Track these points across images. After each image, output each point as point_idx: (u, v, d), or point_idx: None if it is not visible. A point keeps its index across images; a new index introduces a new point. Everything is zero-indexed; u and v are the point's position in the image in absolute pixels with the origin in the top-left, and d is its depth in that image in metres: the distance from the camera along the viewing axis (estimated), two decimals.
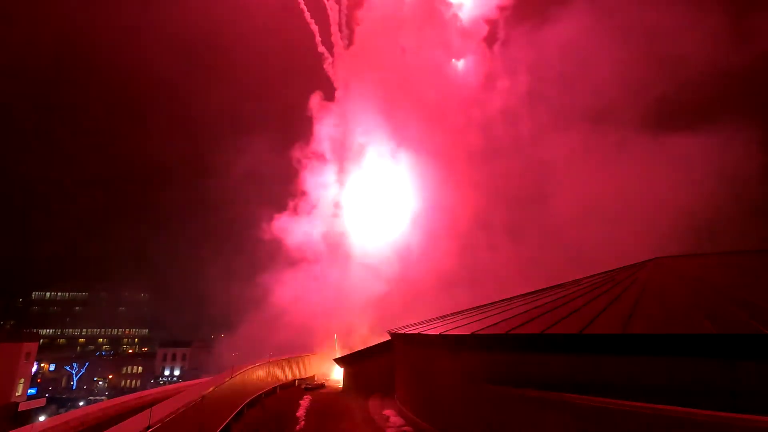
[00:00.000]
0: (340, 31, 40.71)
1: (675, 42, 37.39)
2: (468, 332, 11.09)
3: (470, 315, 14.43)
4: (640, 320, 8.82)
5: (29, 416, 36.80)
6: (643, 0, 40.54)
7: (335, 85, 40.82)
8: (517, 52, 38.97)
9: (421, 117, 37.41)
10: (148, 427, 6.96)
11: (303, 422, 14.61)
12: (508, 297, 16.76)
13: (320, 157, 40.18)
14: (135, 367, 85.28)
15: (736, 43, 35.66)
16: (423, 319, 18.72)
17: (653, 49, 38.65)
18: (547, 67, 39.63)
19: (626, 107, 37.72)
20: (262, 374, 19.38)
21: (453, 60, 39.03)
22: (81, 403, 57.99)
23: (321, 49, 41.37)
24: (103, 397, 63.34)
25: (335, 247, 37.60)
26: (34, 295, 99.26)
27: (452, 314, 16.80)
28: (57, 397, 67.83)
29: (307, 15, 41.32)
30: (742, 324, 7.62)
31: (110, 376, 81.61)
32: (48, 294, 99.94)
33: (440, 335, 12.29)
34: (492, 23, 38.61)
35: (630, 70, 37.89)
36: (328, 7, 40.94)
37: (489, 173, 37.09)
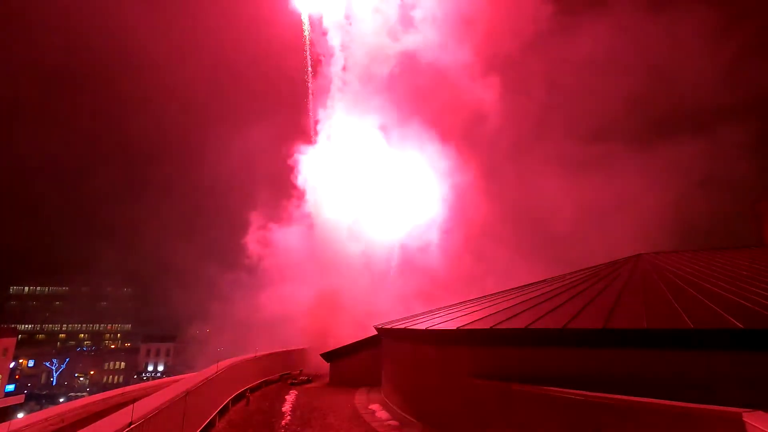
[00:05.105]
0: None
1: (672, 65, 39.22)
2: (453, 327, 11.20)
3: (456, 310, 14.56)
4: (621, 315, 9.02)
5: (7, 413, 35.96)
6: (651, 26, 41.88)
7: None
8: (526, 67, 39.58)
9: (422, 120, 37.62)
10: (131, 424, 6.84)
11: (289, 417, 14.58)
12: (494, 292, 16.97)
13: (316, 155, 39.69)
14: (117, 363, 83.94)
15: (731, 79, 38.02)
16: (410, 314, 18.83)
17: (651, 68, 40.33)
18: (553, 82, 40.52)
19: (623, 120, 39.38)
20: (248, 369, 19.25)
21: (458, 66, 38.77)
22: (61, 400, 56.88)
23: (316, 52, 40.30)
24: (84, 394, 62.25)
25: (325, 244, 37.42)
26: (12, 289, 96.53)
27: (438, 309, 16.93)
28: (36, 394, 66.52)
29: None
30: (718, 319, 7.85)
31: (92, 372, 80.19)
32: (26, 288, 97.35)
33: (426, 330, 12.38)
34: (498, 35, 38.47)
35: (628, 87, 39.35)
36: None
37: (487, 176, 37.77)
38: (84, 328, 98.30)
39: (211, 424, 12.65)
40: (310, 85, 39.98)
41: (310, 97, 39.91)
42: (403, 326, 14.66)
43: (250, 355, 20.91)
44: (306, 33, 39.68)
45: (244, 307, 40.82)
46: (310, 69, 40.04)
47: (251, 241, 41.70)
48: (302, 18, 39.75)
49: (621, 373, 7.72)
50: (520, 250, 34.70)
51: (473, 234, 35.64)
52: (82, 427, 6.99)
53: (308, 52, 40.11)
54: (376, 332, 19.96)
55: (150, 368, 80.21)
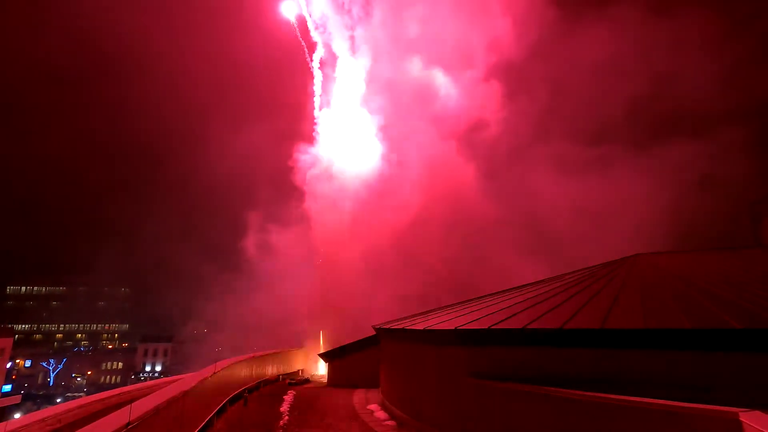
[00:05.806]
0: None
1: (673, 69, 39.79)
2: (451, 327, 11.19)
3: (454, 310, 14.55)
4: (619, 315, 9.04)
5: (4, 414, 35.81)
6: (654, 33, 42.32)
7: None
8: (527, 70, 39.85)
9: (423, 122, 37.83)
10: (128, 424, 6.83)
11: (287, 417, 14.56)
12: (492, 292, 16.97)
13: (314, 156, 39.60)
14: (115, 363, 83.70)
15: (732, 83, 38.64)
16: (408, 314, 18.82)
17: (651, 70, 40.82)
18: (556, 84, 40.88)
19: (624, 123, 39.96)
20: (246, 369, 19.23)
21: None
22: (58, 400, 56.66)
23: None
24: (81, 394, 62.07)
25: (323, 244, 37.38)
26: (9, 289, 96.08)
27: (436, 309, 16.93)
28: (33, 394, 66.32)
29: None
30: (715, 319, 7.86)
31: (89, 373, 79.95)
32: (23, 288, 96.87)
33: (424, 330, 12.37)
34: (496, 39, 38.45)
35: (630, 90, 39.79)
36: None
37: (486, 176, 37.95)
38: (81, 328, 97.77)
39: (209, 424, 12.63)
40: (315, 72, 39.98)
41: (316, 92, 39.92)
42: (401, 326, 14.65)
43: (248, 355, 20.88)
44: (311, 29, 39.68)
45: (242, 307, 40.82)
46: (312, 63, 40.02)
47: (250, 242, 41.72)
48: (305, 18, 39.81)
49: (618, 373, 7.73)
50: (518, 251, 34.79)
51: (472, 234, 35.70)
52: (80, 427, 6.96)
53: (308, 54, 40.09)
54: (374, 332, 19.96)
55: (147, 368, 79.91)
